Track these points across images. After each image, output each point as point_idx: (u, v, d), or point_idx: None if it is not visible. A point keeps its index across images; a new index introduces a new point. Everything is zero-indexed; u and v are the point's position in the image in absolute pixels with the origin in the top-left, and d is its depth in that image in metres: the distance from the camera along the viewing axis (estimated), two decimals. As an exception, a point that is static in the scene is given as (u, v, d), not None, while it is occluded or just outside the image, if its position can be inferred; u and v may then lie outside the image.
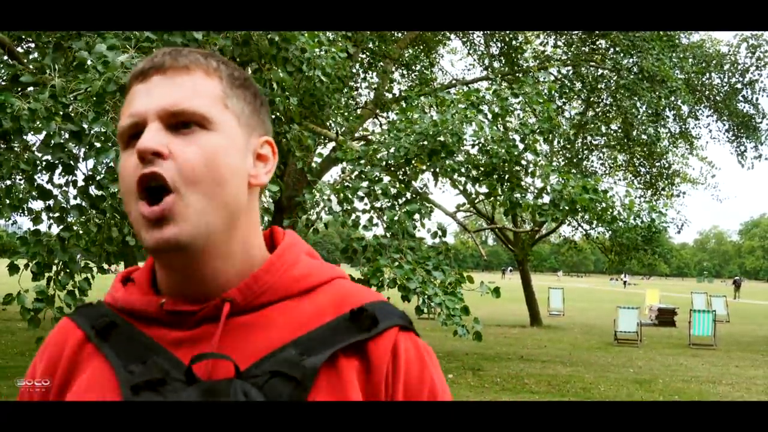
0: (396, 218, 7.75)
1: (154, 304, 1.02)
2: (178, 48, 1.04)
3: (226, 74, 1.03)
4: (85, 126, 4.97)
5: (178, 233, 0.94)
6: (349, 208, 7.99)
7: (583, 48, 17.42)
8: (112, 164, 4.87)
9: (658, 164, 19.81)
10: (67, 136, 5.02)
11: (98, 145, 4.88)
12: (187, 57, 1.02)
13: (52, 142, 4.91)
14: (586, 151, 20.31)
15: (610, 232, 15.14)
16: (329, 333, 0.98)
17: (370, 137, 11.47)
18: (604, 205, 8.93)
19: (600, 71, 17.71)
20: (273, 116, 7.70)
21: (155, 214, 0.94)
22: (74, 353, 1.05)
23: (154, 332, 1.01)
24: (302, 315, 1.01)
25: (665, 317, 24.30)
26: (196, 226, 0.95)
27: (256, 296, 1.01)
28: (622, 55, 15.87)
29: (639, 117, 16.41)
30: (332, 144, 11.29)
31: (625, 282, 76.47)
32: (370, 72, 17.63)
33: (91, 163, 5.48)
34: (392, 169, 8.54)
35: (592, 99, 18.85)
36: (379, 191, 7.98)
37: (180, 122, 0.97)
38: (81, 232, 5.35)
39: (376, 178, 8.17)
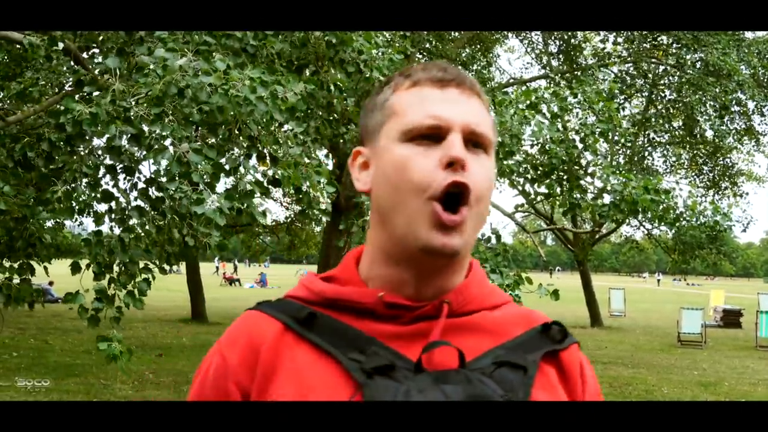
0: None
1: (372, 296, 1.07)
2: (450, 65, 1.12)
3: (486, 101, 1.12)
4: (145, 128, 5.09)
5: (461, 243, 1.03)
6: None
7: (644, 44, 17.10)
8: (170, 167, 4.95)
9: (721, 162, 19.32)
10: (127, 139, 5.14)
11: (156, 146, 4.99)
12: (471, 79, 1.10)
13: (113, 145, 5.04)
14: (649, 148, 19.92)
15: (673, 230, 14.81)
16: (528, 341, 1.10)
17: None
18: (665, 205, 8.75)
19: (662, 67, 17.36)
20: (331, 118, 7.76)
21: (454, 222, 1.02)
22: (276, 341, 1.07)
23: (365, 325, 1.06)
24: (500, 325, 1.12)
25: (731, 318, 23.73)
26: (470, 238, 1.05)
27: (466, 303, 1.10)
28: (685, 50, 15.53)
29: (705, 112, 16.03)
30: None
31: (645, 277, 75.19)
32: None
33: (152, 165, 5.61)
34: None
35: (653, 95, 18.49)
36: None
37: (476, 142, 1.05)
38: (142, 234, 5.46)
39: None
